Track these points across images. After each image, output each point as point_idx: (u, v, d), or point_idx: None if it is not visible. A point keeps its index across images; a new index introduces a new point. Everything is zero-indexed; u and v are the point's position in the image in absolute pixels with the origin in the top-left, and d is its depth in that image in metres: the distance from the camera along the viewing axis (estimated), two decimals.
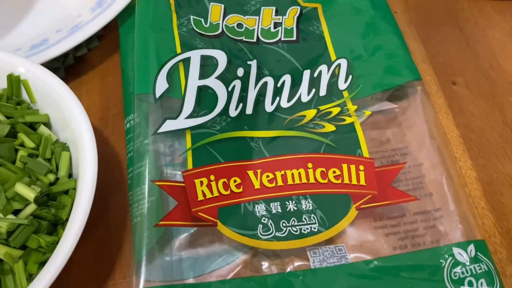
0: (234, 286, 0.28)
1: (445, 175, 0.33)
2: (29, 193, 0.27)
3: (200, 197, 0.30)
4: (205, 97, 0.32)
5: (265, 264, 0.30)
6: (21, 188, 0.27)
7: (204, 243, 0.31)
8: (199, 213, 0.29)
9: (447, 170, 0.33)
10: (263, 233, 0.30)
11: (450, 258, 0.30)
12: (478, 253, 0.30)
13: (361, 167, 0.32)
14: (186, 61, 0.33)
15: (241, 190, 0.31)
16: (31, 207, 0.27)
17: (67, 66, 0.40)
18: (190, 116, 0.31)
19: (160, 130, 0.31)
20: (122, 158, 0.36)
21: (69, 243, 0.26)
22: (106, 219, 0.33)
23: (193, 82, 0.33)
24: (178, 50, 0.34)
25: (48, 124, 0.32)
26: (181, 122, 0.31)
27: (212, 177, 0.31)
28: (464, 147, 0.36)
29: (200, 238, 0.31)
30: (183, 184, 0.30)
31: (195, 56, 0.34)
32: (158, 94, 0.31)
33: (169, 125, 0.31)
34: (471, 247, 0.30)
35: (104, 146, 0.36)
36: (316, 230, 0.31)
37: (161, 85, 0.32)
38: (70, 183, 0.29)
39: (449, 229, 0.31)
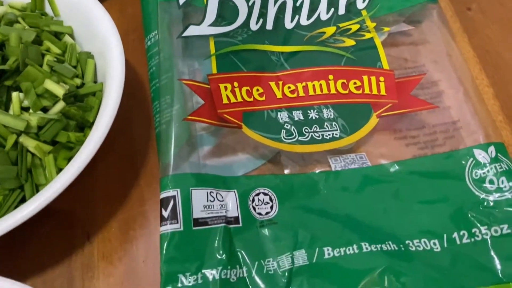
0: (260, 181, 0.29)
1: (462, 90, 0.34)
2: (59, 89, 0.28)
3: (225, 101, 0.30)
4: (227, 8, 0.33)
5: (287, 170, 0.31)
6: (50, 85, 0.28)
7: (227, 152, 0.31)
8: (225, 115, 0.30)
9: (464, 86, 0.34)
10: (286, 137, 0.31)
11: (471, 159, 0.30)
12: (499, 154, 0.30)
13: (381, 78, 0.33)
14: None
15: (264, 98, 0.31)
16: (60, 104, 0.28)
17: None
18: (213, 24, 0.32)
19: (185, 34, 0.31)
20: (143, 78, 0.36)
21: (100, 133, 0.26)
22: (129, 134, 0.34)
23: None
24: None
25: (72, 36, 0.33)
26: (204, 29, 0.31)
27: (236, 84, 0.31)
28: (480, 66, 0.37)
29: (223, 148, 0.31)
30: (209, 87, 0.30)
31: None
32: (181, 1, 0.32)
33: (193, 30, 0.31)
34: (492, 149, 0.30)
35: (125, 67, 0.37)
36: (338, 136, 0.31)
37: None
38: (97, 86, 0.30)
39: (468, 137, 0.32)
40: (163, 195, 0.26)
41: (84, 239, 0.30)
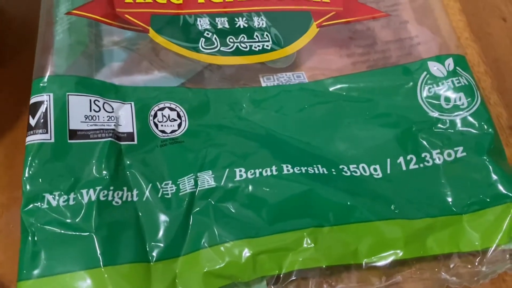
0: (167, 94, 0.23)
1: (422, 2, 0.29)
2: None
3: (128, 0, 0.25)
4: None
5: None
6: None
7: (141, 70, 0.26)
8: (126, 16, 0.25)
9: None
10: (205, 47, 0.25)
11: (425, 73, 0.25)
12: (457, 67, 0.25)
13: None
14: None
15: (181, 1, 0.26)
16: None
17: None
18: None
19: None
20: None
21: None
22: (30, 45, 0.29)
23: None
24: None
25: None
26: None
27: None
28: None
29: (136, 65, 0.26)
30: None
31: None
32: None
33: None
34: (449, 61, 0.25)
35: None
36: (269, 48, 0.26)
37: None
38: None
39: (426, 54, 0.27)
40: (33, 100, 0.21)
41: None
